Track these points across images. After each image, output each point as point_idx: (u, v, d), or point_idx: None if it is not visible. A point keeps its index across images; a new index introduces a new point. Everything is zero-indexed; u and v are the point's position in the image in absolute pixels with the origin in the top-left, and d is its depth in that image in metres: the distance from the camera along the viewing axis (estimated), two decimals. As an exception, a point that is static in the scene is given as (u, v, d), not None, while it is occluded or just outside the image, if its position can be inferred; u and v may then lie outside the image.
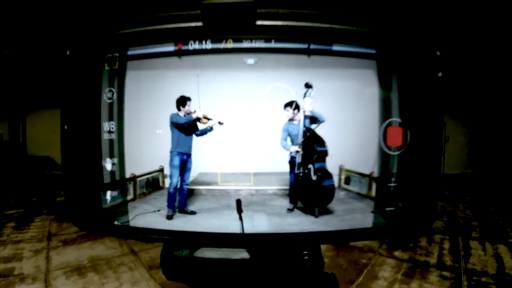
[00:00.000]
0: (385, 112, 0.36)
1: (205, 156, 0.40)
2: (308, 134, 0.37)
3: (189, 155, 0.38)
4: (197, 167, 0.41)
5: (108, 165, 0.37)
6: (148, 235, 0.36)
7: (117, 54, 0.38)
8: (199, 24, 0.37)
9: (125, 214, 0.37)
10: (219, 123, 0.36)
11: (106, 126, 0.35)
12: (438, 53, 0.38)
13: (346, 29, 0.39)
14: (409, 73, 0.37)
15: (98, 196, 0.36)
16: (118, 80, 0.37)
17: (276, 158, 0.39)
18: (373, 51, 0.38)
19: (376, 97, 0.36)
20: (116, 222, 0.37)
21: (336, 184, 0.39)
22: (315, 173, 0.39)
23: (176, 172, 0.39)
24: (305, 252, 0.40)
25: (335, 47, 0.39)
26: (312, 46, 0.38)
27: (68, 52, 0.39)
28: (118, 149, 0.36)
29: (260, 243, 0.36)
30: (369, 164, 0.36)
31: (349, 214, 0.36)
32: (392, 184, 0.35)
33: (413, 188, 0.35)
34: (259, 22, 0.39)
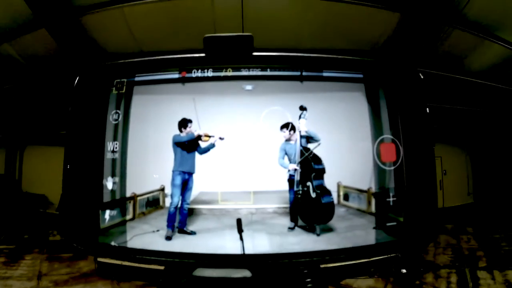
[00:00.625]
0: (377, 130, 0.38)
1: (206, 176, 0.41)
2: (306, 153, 0.39)
3: (191, 174, 0.39)
4: (198, 186, 0.41)
5: (109, 184, 0.37)
6: (145, 256, 0.36)
7: (125, 80, 0.40)
8: (202, 55, 0.40)
9: (123, 234, 0.37)
10: (220, 138, 0.38)
11: (110, 145, 0.37)
12: (421, 76, 0.41)
13: (334, 57, 0.42)
14: (395, 93, 0.40)
15: (96, 215, 0.36)
16: (125, 103, 0.39)
17: (275, 177, 0.40)
18: (360, 75, 0.41)
19: (366, 117, 0.39)
20: (113, 243, 0.37)
21: (335, 201, 0.40)
22: (314, 191, 0.40)
23: (178, 191, 0.40)
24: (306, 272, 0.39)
25: (325, 73, 0.42)
26: (304, 73, 0.42)
27: (77, 78, 0.41)
28: (120, 168, 0.37)
29: (261, 264, 0.35)
30: (366, 180, 0.37)
31: (351, 231, 0.37)
32: (391, 199, 0.36)
33: (412, 202, 0.35)
34: (255, 53, 0.42)
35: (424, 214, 0.37)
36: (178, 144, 0.40)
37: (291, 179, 0.41)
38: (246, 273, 0.36)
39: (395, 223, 0.37)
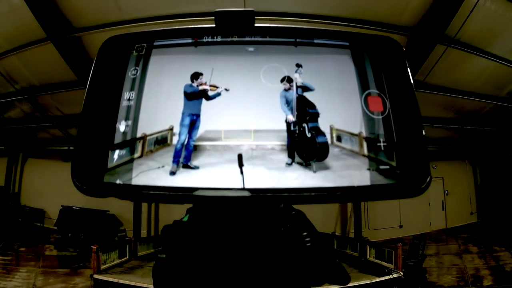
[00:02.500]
0: (363, 85, 0.43)
1: (211, 117, 0.45)
2: (302, 100, 0.43)
3: (198, 116, 0.44)
4: (204, 126, 0.45)
5: (122, 126, 0.41)
6: (149, 191, 0.39)
7: (145, 44, 0.46)
8: (213, 25, 0.46)
9: (129, 172, 0.41)
10: (226, 89, 0.43)
11: (127, 95, 0.42)
12: (403, 48, 0.46)
13: (323, 29, 0.48)
14: (378, 58, 0.44)
15: (105, 156, 0.40)
16: (143, 62, 0.45)
17: (273, 118, 0.44)
18: (346, 43, 0.47)
19: (353, 75, 0.44)
20: (118, 181, 0.40)
21: (329, 141, 0.43)
22: (309, 131, 0.44)
23: (185, 130, 0.44)
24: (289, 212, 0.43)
25: (316, 41, 0.48)
26: (298, 40, 0.47)
27: (104, 42, 0.46)
28: (134, 114, 0.41)
29: (260, 195, 0.39)
30: (356, 125, 0.41)
31: (346, 170, 0.40)
32: (382, 144, 0.40)
33: (402, 146, 0.39)
34: (256, 24, 0.48)
35: (414, 157, 0.41)
36: (189, 93, 0.45)
37: (288, 122, 0.46)
38: (245, 193, 0.39)
39: (388, 167, 0.41)
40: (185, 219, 0.48)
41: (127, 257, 8.01)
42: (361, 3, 7.68)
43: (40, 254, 10.20)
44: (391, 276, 6.83)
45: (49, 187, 13.59)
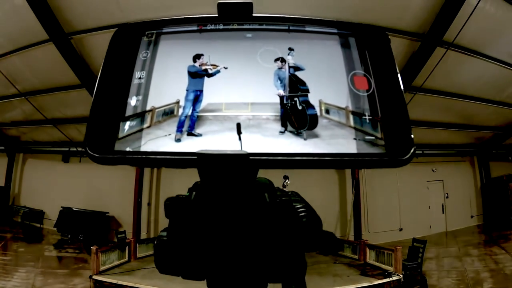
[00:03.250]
0: (350, 66, 0.48)
1: (213, 91, 0.51)
2: (293, 78, 0.49)
3: (201, 91, 0.49)
4: (206, 99, 0.51)
5: (133, 101, 0.47)
6: (156, 156, 0.44)
7: (154, 31, 0.53)
8: (216, 15, 0.52)
9: (138, 140, 0.46)
10: (224, 67, 0.48)
11: (138, 74, 0.47)
12: (388, 37, 0.52)
13: (313, 18, 0.54)
14: (363, 40, 0.50)
15: (117, 126, 0.45)
16: (153, 46, 0.51)
17: (268, 93, 0.50)
18: (334, 30, 0.53)
19: (340, 57, 0.49)
20: (128, 148, 0.46)
21: (318, 113, 0.49)
22: (300, 104, 0.49)
23: (189, 104, 0.49)
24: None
25: (307, 28, 0.54)
26: (291, 27, 0.53)
27: (116, 29, 0.52)
28: (144, 90, 0.47)
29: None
30: (343, 100, 0.46)
31: (334, 139, 0.45)
32: (367, 117, 0.45)
33: (386, 120, 0.44)
34: (254, 14, 0.54)
35: (398, 130, 0.46)
36: (192, 72, 0.51)
37: (281, 96, 0.51)
38: (243, 152, 0.44)
39: (373, 137, 0.46)
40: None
41: (127, 259, 8.03)
42: (361, 7, 7.79)
43: (39, 254, 10.19)
44: (391, 279, 6.85)
45: (49, 188, 13.65)
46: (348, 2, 7.60)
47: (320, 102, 0.49)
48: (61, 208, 12.41)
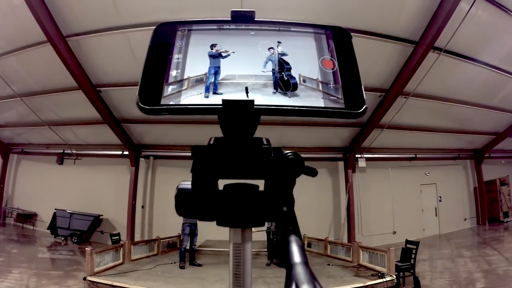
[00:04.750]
0: (320, 53, 0.73)
1: (228, 68, 0.75)
2: (281, 60, 0.73)
3: (219, 67, 0.72)
4: (224, 72, 0.75)
5: (173, 72, 0.71)
6: (192, 106, 0.68)
7: (186, 28, 0.78)
8: (229, 18, 0.76)
9: (178, 97, 0.70)
10: (232, 52, 0.73)
11: (176, 56, 0.71)
12: (351, 36, 0.77)
13: (297, 22, 0.80)
14: (331, 36, 0.75)
15: (162, 89, 0.69)
16: (186, 38, 0.76)
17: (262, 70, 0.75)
18: (311, 30, 0.79)
19: (314, 47, 0.74)
20: (171, 102, 0.70)
21: (298, 82, 0.73)
22: (285, 76, 0.74)
23: (211, 76, 0.72)
24: None
25: (292, 28, 0.80)
26: (281, 28, 0.79)
27: (156, 26, 0.77)
28: (181, 66, 0.71)
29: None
30: (315, 75, 0.71)
31: (308, 97, 0.69)
32: (332, 85, 0.70)
33: (346, 87, 0.69)
34: (256, 19, 0.79)
35: (354, 94, 0.70)
36: (211, 55, 0.75)
37: (273, 71, 0.76)
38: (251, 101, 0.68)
39: (336, 98, 0.70)
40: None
41: (121, 261, 8.14)
42: (357, 14, 8.12)
43: (32, 256, 10.20)
44: (384, 280, 7.03)
45: (43, 190, 13.73)
46: (345, 10, 7.94)
47: (299, 75, 0.73)
48: (55, 210, 12.51)
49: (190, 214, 0.71)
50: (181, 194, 0.72)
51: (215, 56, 0.78)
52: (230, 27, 0.81)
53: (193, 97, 0.71)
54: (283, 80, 0.76)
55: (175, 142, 11.83)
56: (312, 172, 0.73)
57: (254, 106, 0.66)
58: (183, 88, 0.72)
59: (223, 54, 0.79)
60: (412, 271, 7.74)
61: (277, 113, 0.68)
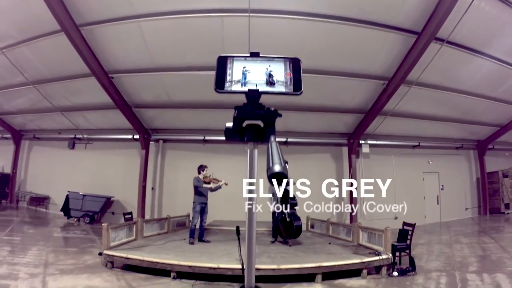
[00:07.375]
0: (286, 70, 1.47)
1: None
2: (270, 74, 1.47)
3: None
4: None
5: (228, 77, 1.42)
6: (237, 91, 1.47)
7: (232, 58, 1.58)
8: (248, 55, 1.49)
9: (231, 87, 1.44)
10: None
11: (229, 71, 1.47)
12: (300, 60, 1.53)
13: (276, 56, 1.54)
14: (292, 62, 1.51)
15: (224, 82, 1.43)
16: (231, 62, 1.55)
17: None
18: (282, 58, 1.59)
19: (285, 68, 1.52)
20: (230, 88, 1.47)
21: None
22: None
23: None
24: None
25: (276, 58, 1.62)
26: (270, 59, 1.58)
27: (220, 56, 1.53)
28: (232, 78, 1.46)
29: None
30: (282, 79, 1.45)
31: (280, 87, 1.44)
32: (288, 82, 1.43)
33: (294, 83, 1.43)
34: (261, 55, 1.53)
35: (296, 85, 1.45)
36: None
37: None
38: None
39: (290, 87, 1.46)
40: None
41: (134, 237, 8.89)
42: (358, 3, 8.59)
43: (48, 235, 10.97)
44: (381, 257, 7.63)
45: (55, 174, 14.64)
46: (351, 2, 8.49)
47: (277, 80, 1.48)
48: (68, 192, 13.39)
49: (232, 138, 1.40)
50: (227, 129, 1.54)
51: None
52: (249, 58, 1.62)
53: (236, 86, 1.44)
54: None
55: (184, 126, 12.50)
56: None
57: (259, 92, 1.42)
58: (232, 83, 1.45)
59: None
60: (407, 251, 8.09)
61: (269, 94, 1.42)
